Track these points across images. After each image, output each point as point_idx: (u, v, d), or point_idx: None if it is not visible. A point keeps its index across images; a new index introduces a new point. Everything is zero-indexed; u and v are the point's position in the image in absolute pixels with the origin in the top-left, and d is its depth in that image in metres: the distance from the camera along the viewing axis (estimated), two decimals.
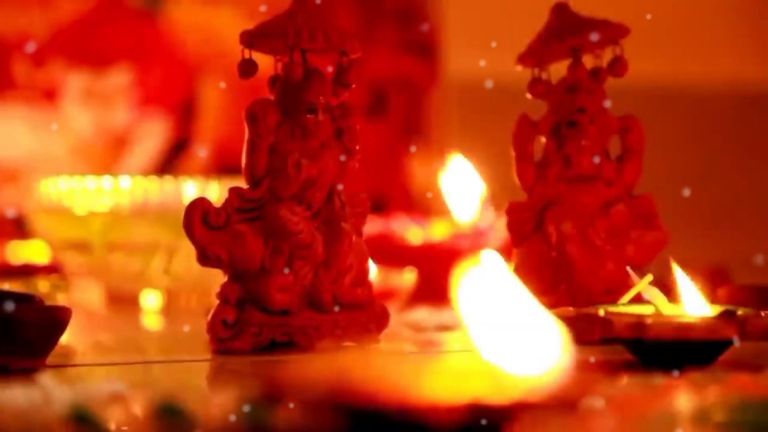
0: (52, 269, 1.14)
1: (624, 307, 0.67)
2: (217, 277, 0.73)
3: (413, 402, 0.42)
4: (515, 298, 0.48)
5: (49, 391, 0.52)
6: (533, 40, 0.79)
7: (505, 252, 0.82)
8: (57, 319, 0.64)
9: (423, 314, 0.93)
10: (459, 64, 1.74)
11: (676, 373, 0.61)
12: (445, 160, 1.27)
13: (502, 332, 0.47)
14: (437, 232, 1.18)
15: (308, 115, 0.72)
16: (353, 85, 0.73)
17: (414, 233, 1.17)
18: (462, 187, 1.23)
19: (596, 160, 0.77)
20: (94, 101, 1.63)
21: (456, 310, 0.48)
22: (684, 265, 0.68)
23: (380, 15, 1.73)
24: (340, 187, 0.73)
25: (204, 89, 1.67)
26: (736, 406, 0.50)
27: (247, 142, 0.72)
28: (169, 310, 1.05)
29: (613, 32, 0.77)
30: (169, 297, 1.07)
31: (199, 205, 0.72)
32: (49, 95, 1.62)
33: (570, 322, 0.56)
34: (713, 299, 0.68)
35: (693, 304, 0.66)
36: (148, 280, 1.06)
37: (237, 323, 0.72)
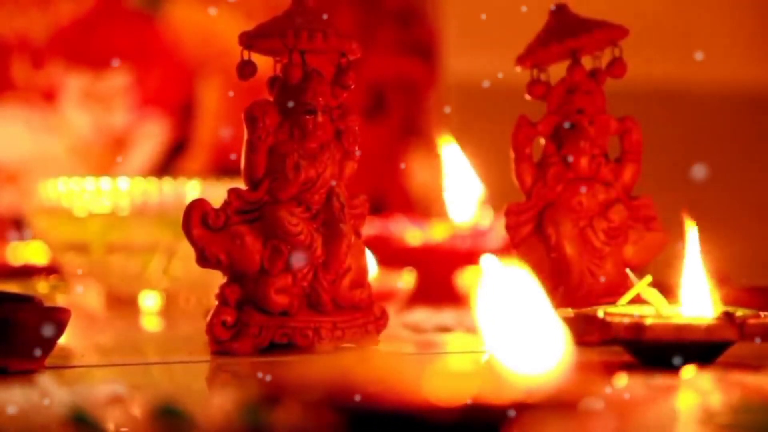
0: (51, 270, 1.14)
1: (623, 308, 0.67)
2: (217, 279, 0.73)
3: (413, 403, 0.42)
4: (528, 297, 0.49)
5: (48, 393, 0.52)
6: (532, 41, 0.79)
7: (504, 253, 0.82)
8: (56, 320, 0.64)
9: (422, 315, 0.93)
10: (458, 65, 1.74)
11: (675, 373, 0.61)
12: (443, 162, 1.27)
13: (513, 330, 0.47)
14: (436, 233, 1.18)
15: (307, 117, 0.72)
16: (352, 86, 0.73)
17: (413, 234, 1.17)
18: (461, 189, 1.23)
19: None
20: (93, 102, 1.63)
21: (471, 307, 0.48)
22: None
23: (380, 16, 1.73)
24: (333, 182, 0.73)
25: (203, 90, 1.67)
26: (737, 406, 0.50)
27: (246, 144, 0.72)
28: (168, 311, 1.05)
29: (612, 33, 0.77)
30: (168, 298, 1.07)
31: (198, 206, 0.72)
32: (49, 96, 1.62)
33: (569, 323, 0.56)
34: (717, 300, 0.68)
35: (692, 304, 0.66)
36: (147, 281, 1.06)
37: (236, 324, 0.72)
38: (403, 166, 1.68)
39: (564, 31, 0.77)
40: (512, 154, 0.79)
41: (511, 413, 0.42)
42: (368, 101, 1.72)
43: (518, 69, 0.80)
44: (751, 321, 0.63)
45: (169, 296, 1.07)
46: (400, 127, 1.73)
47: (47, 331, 0.63)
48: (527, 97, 0.79)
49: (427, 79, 1.75)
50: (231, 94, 1.63)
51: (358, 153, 0.73)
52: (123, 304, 1.07)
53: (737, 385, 0.57)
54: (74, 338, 0.78)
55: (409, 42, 1.75)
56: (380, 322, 0.74)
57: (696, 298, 0.66)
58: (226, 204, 0.72)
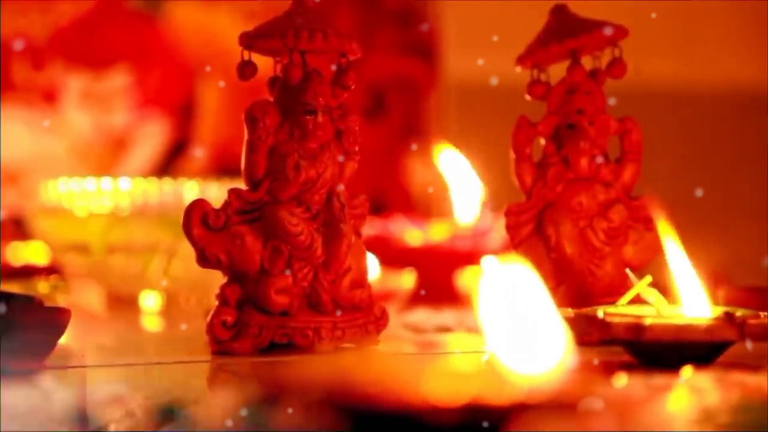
0: (51, 270, 1.14)
1: (623, 308, 0.67)
2: (217, 279, 0.73)
3: (413, 403, 0.42)
4: (531, 296, 0.49)
5: (49, 393, 0.52)
6: (532, 41, 0.79)
7: (504, 253, 0.82)
8: (57, 321, 0.64)
9: (422, 315, 0.93)
10: (458, 65, 1.74)
11: (675, 373, 0.61)
12: (443, 162, 1.27)
13: (515, 329, 0.47)
14: (436, 233, 1.18)
15: (307, 117, 0.72)
16: (352, 87, 0.73)
17: (413, 235, 1.17)
18: (461, 189, 1.23)
19: (599, 160, 0.77)
20: (94, 103, 1.63)
21: (472, 307, 0.48)
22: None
23: (379, 16, 1.73)
24: (340, 188, 0.73)
25: (203, 91, 1.67)
26: (736, 406, 0.50)
27: (247, 144, 0.72)
28: (168, 311, 1.05)
29: (612, 33, 0.77)
30: (169, 298, 1.07)
31: (199, 206, 0.72)
32: (49, 97, 1.62)
33: (569, 323, 0.56)
34: (713, 300, 0.68)
35: (692, 304, 0.66)
36: (147, 281, 1.06)
37: (236, 324, 0.72)
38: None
39: (564, 31, 0.77)
40: (512, 154, 0.79)
41: (511, 414, 0.42)
42: (368, 101, 1.72)
43: (518, 69, 0.80)
44: (751, 321, 0.63)
45: (169, 296, 1.07)
46: (400, 127, 1.73)
47: (47, 331, 0.63)
48: (527, 97, 0.79)
49: (427, 80, 1.75)
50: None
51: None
52: (123, 304, 1.07)
53: (737, 385, 0.57)
54: (74, 338, 0.78)
55: (409, 42, 1.75)
56: (380, 322, 0.74)
57: (689, 298, 0.66)
58: (227, 204, 0.72)
